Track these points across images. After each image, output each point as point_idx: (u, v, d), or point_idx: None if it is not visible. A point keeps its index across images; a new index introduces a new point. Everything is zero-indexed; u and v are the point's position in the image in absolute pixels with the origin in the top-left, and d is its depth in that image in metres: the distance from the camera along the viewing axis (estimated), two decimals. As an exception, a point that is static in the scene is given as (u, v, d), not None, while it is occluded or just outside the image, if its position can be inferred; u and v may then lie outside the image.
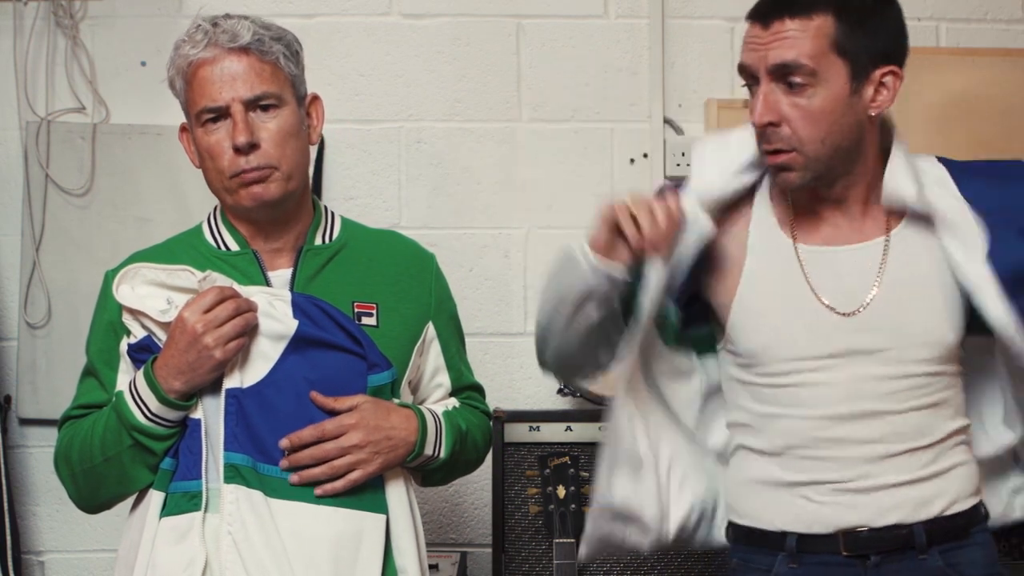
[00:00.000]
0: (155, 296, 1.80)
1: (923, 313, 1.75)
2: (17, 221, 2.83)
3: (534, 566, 2.50)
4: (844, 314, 1.75)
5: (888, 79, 1.70)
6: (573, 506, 2.28)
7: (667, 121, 2.89)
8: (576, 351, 1.87)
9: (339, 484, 1.78)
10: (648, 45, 2.89)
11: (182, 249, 1.90)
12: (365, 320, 1.87)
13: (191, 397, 1.77)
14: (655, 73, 2.87)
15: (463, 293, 2.88)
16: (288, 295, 1.82)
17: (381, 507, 1.83)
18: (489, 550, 2.57)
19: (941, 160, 1.82)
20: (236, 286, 1.80)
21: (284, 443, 1.77)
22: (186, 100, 1.84)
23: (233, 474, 1.77)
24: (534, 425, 2.51)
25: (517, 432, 2.52)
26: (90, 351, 1.89)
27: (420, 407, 1.92)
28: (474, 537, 2.86)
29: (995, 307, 1.69)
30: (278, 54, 1.83)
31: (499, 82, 2.89)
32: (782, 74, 1.67)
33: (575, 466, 2.32)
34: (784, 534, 1.77)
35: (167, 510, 1.79)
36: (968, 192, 1.74)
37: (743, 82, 1.76)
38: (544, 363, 1.97)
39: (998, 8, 2.92)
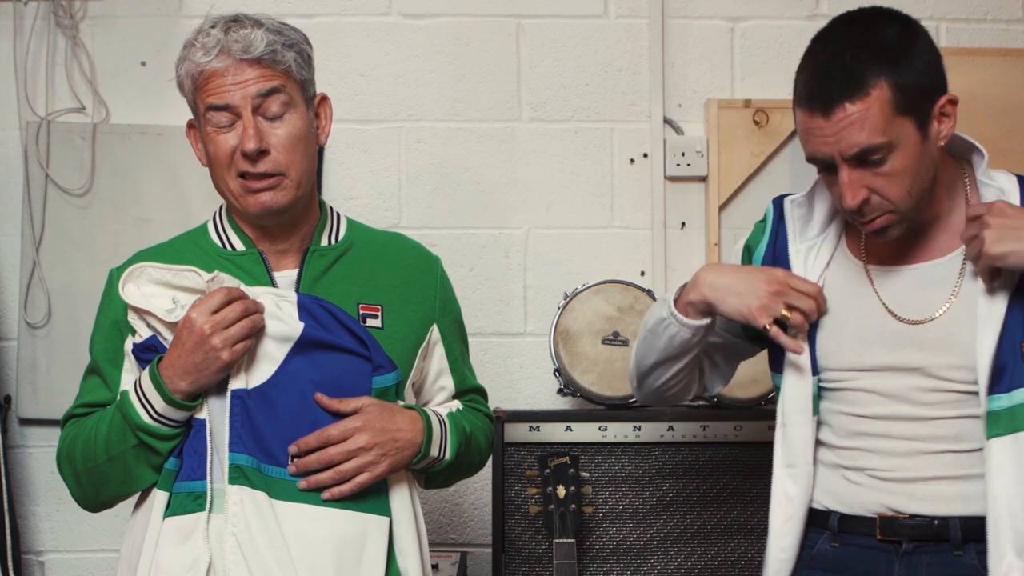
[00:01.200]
0: (161, 296, 1.79)
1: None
2: (17, 221, 2.83)
3: (534, 566, 2.50)
4: (913, 322, 1.78)
5: (948, 108, 1.73)
6: (573, 506, 2.28)
7: (667, 121, 2.89)
8: (680, 381, 1.98)
9: (346, 488, 1.78)
10: (648, 45, 2.89)
11: (187, 248, 1.89)
12: (370, 322, 1.87)
13: (196, 398, 1.77)
14: (655, 73, 2.87)
15: (463, 293, 2.87)
16: (294, 296, 1.82)
17: (385, 510, 1.83)
18: (489, 550, 2.57)
19: (1019, 178, 1.83)
20: (243, 287, 1.80)
21: (292, 449, 1.77)
22: (195, 100, 1.83)
23: (237, 475, 1.76)
24: (534, 425, 2.51)
25: (517, 432, 2.52)
26: (94, 349, 1.88)
27: (425, 409, 1.92)
28: (474, 537, 2.86)
29: (983, 341, 1.73)
30: (290, 62, 1.81)
31: (499, 82, 2.89)
32: (861, 158, 1.69)
33: (575, 466, 2.32)
34: (828, 513, 1.84)
35: (171, 510, 1.78)
36: None
37: (817, 169, 1.77)
38: (641, 393, 2.04)
39: (998, 8, 2.92)
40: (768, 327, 1.78)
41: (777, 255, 1.91)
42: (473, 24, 2.89)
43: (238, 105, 1.78)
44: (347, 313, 1.83)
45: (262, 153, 1.78)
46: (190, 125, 1.88)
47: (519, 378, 2.88)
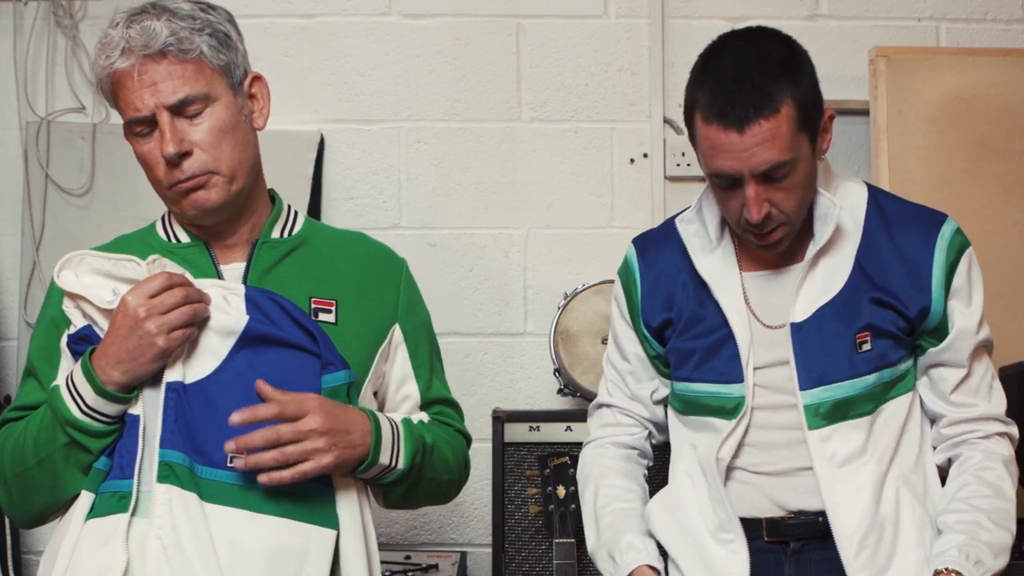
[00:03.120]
0: (101, 287, 1.68)
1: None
2: (17, 221, 2.84)
3: (534, 566, 2.50)
4: (771, 327, 1.83)
5: (827, 123, 1.79)
6: (573, 506, 2.28)
7: (667, 121, 2.89)
8: None
9: (287, 474, 1.60)
10: (648, 45, 2.89)
11: (131, 244, 1.79)
12: (323, 316, 1.75)
13: (132, 390, 1.64)
14: (655, 73, 2.87)
15: (463, 293, 2.88)
16: (242, 289, 1.72)
17: (331, 521, 1.67)
18: (489, 550, 2.57)
19: (869, 187, 1.89)
20: (188, 276, 1.69)
21: (235, 418, 1.60)
22: (115, 108, 1.72)
23: (167, 473, 1.62)
24: (534, 425, 2.51)
25: (517, 432, 2.52)
26: (31, 349, 1.77)
27: (375, 411, 1.76)
28: (474, 537, 2.86)
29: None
30: (200, 47, 1.67)
31: (499, 82, 2.89)
32: (769, 174, 1.72)
33: (575, 466, 2.32)
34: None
35: (94, 511, 1.64)
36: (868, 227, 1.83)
37: (715, 184, 1.81)
38: None
39: (998, 8, 2.92)
40: None
41: (654, 291, 1.92)
42: (473, 24, 2.89)
43: (152, 112, 1.66)
44: (297, 307, 1.72)
45: (184, 156, 1.67)
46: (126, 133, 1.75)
47: (519, 378, 2.88)
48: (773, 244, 1.79)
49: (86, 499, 1.65)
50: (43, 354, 1.74)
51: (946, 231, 1.81)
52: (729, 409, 1.82)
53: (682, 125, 2.86)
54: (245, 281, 1.74)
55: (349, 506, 1.70)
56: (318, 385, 1.70)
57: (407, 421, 1.81)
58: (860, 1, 2.91)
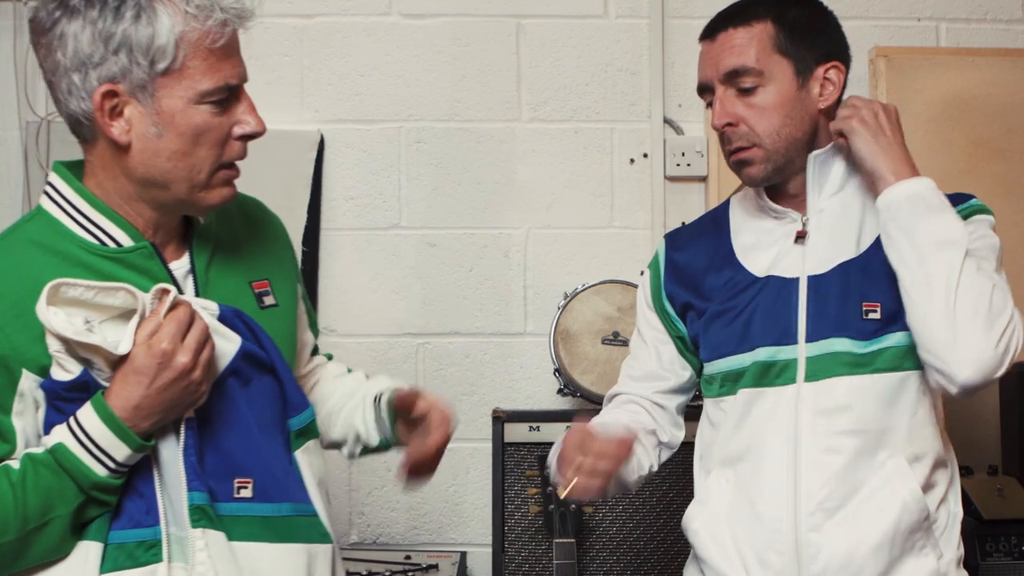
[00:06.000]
0: (72, 315, 1.45)
1: None
2: (17, 221, 2.83)
3: (534, 566, 2.50)
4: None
5: (832, 74, 1.81)
6: (573, 506, 2.28)
7: (667, 121, 2.89)
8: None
9: None
10: (648, 45, 2.89)
11: (31, 255, 1.50)
12: (267, 301, 1.64)
13: (151, 435, 1.49)
14: (655, 73, 2.88)
15: (463, 293, 2.88)
16: (216, 308, 1.55)
17: (327, 536, 1.63)
18: (489, 550, 2.57)
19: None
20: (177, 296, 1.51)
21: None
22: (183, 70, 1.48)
23: (199, 516, 1.50)
24: (534, 425, 2.51)
25: (517, 432, 2.52)
26: None
27: None
28: (474, 537, 2.86)
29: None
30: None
31: (499, 82, 2.89)
32: (734, 79, 1.79)
33: (575, 466, 2.32)
34: None
35: (112, 563, 1.48)
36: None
37: (705, 103, 1.87)
38: None
39: (998, 8, 2.92)
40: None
41: (679, 279, 1.93)
42: (473, 24, 2.89)
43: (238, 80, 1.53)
44: (268, 337, 1.60)
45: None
46: (112, 94, 1.47)
47: (519, 378, 2.88)
48: (742, 165, 1.81)
49: (96, 551, 1.48)
50: None
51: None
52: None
53: (682, 125, 2.89)
54: (195, 277, 1.58)
55: (328, 518, 1.66)
56: (286, 427, 1.62)
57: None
58: (860, 1, 2.91)
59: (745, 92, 1.78)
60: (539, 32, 2.90)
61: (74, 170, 1.56)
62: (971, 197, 1.83)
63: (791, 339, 1.78)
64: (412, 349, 2.87)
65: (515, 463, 2.52)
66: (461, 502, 2.86)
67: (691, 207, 2.88)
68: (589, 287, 2.63)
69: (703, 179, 2.87)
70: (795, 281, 1.80)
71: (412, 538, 2.86)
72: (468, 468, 2.86)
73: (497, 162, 2.89)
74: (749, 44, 1.78)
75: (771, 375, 1.79)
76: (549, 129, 2.90)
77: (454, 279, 2.89)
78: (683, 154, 2.85)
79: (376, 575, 2.54)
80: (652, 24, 2.88)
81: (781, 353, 1.78)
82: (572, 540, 2.26)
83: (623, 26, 2.90)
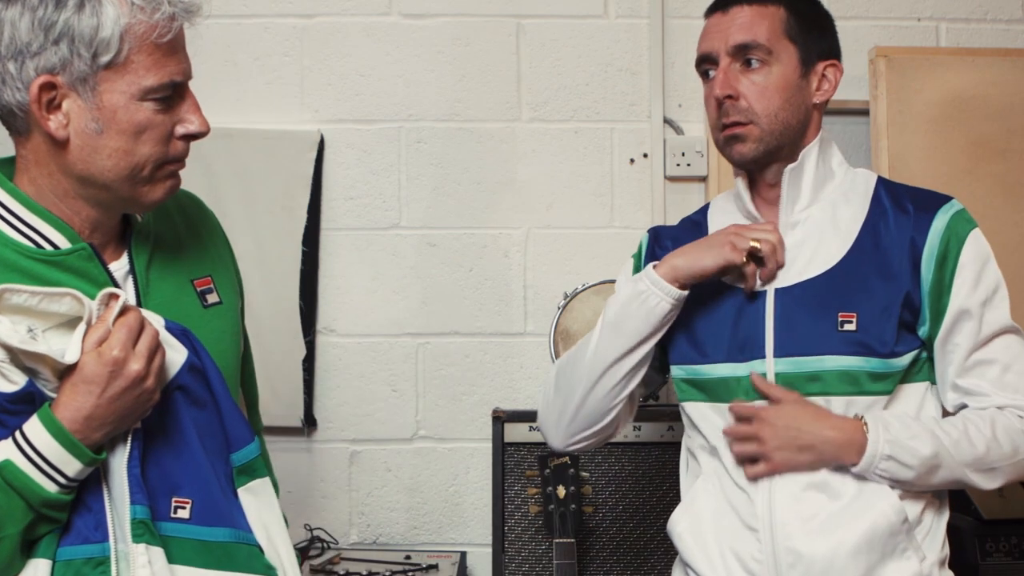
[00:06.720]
0: (16, 323, 1.38)
1: None
2: (17, 221, 2.83)
3: (534, 566, 2.50)
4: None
5: (829, 71, 1.85)
6: (573, 506, 2.28)
7: (667, 121, 2.89)
8: (631, 380, 1.89)
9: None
10: (648, 45, 2.89)
11: None
12: (210, 299, 1.59)
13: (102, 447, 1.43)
14: (655, 73, 2.88)
15: (463, 293, 2.88)
16: (161, 320, 1.49)
17: (269, 568, 1.53)
18: (489, 550, 2.57)
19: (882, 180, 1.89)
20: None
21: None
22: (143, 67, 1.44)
23: (142, 531, 1.43)
24: (534, 425, 2.51)
25: (517, 432, 2.52)
26: None
27: None
28: (474, 537, 2.86)
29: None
30: None
31: (499, 82, 2.89)
32: (742, 53, 1.80)
33: (575, 466, 2.32)
34: None
35: None
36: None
37: (702, 72, 1.88)
38: (575, 422, 1.99)
39: (998, 8, 2.92)
40: (745, 263, 1.79)
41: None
42: (473, 24, 2.89)
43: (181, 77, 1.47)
44: (214, 365, 1.53)
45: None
46: (51, 86, 1.41)
47: (519, 378, 2.88)
48: (734, 140, 1.80)
49: (42, 569, 1.41)
50: None
51: (950, 209, 1.78)
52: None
53: (682, 125, 2.89)
54: (135, 278, 1.52)
55: (281, 556, 1.57)
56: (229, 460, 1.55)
57: None
58: (860, 1, 2.91)
59: (750, 69, 1.80)
60: (539, 32, 2.90)
61: (3, 168, 1.50)
62: (950, 198, 1.81)
63: (758, 353, 1.78)
64: (412, 349, 2.87)
65: (515, 463, 2.52)
66: (461, 502, 2.86)
67: (691, 207, 2.87)
68: (589, 287, 2.63)
69: (703, 179, 2.87)
70: (762, 294, 1.80)
71: (412, 538, 2.86)
72: (468, 468, 2.86)
73: (497, 162, 2.89)
74: (761, 22, 1.80)
75: (738, 389, 1.79)
76: (549, 129, 2.90)
77: (454, 279, 2.89)
78: (683, 154, 2.85)
79: (376, 575, 2.54)
80: (652, 24, 2.88)
81: (741, 369, 1.79)
82: (572, 540, 2.26)
83: (623, 26, 2.90)
